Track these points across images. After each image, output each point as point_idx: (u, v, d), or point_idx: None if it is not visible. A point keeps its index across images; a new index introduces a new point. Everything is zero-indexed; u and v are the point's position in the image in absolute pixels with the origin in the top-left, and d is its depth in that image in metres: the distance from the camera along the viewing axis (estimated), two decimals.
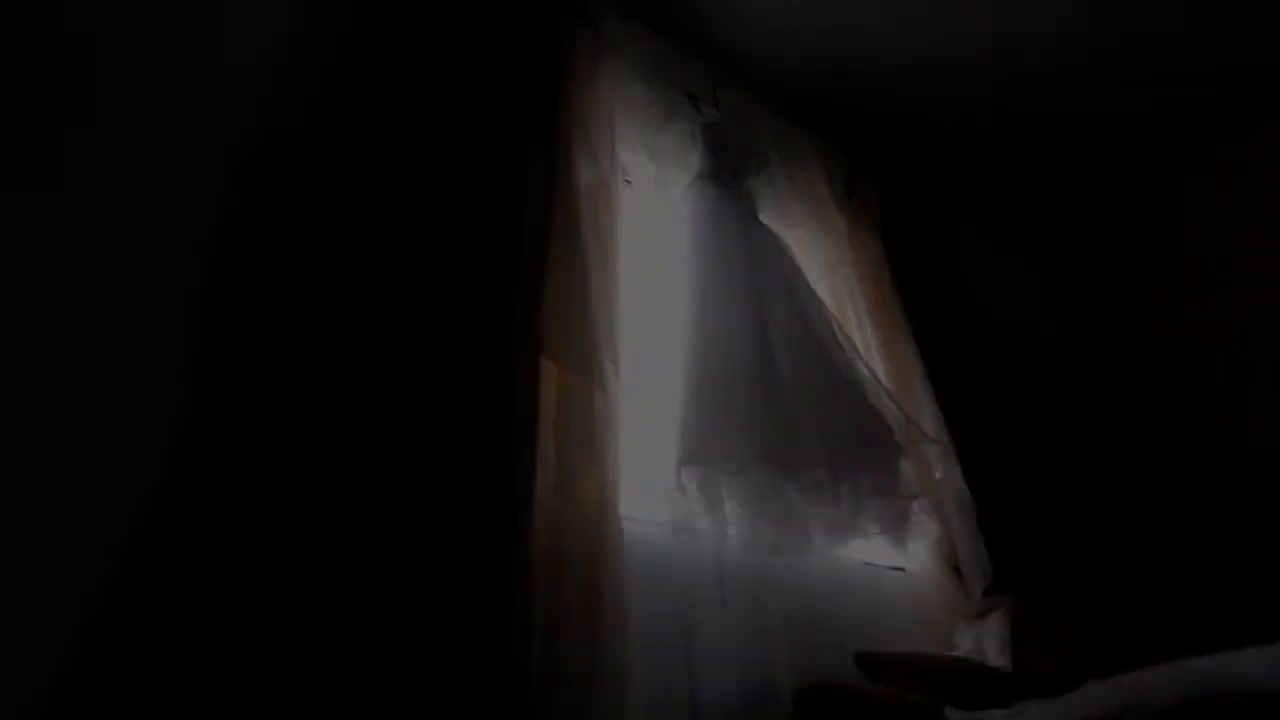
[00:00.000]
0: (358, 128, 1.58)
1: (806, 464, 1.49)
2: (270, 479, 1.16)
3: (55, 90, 1.26)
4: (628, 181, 2.11)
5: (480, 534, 1.24)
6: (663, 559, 1.60)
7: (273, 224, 1.42)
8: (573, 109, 1.81)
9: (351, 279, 1.40)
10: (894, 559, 1.99)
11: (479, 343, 1.42)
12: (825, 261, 2.31)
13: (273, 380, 1.26)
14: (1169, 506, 2.54)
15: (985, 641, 1.85)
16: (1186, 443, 2.78)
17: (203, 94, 1.46)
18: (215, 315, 1.27)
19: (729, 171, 2.11)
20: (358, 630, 1.11)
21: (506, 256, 1.52)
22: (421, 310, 1.41)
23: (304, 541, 1.14)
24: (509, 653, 1.16)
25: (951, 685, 1.59)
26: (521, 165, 1.64)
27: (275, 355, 1.28)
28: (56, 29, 1.30)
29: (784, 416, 1.54)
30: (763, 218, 2.22)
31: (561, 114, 1.79)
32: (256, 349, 1.28)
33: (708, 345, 1.63)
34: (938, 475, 2.00)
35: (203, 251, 1.33)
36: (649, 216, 2.13)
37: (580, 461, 1.40)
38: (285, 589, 1.11)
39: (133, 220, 1.27)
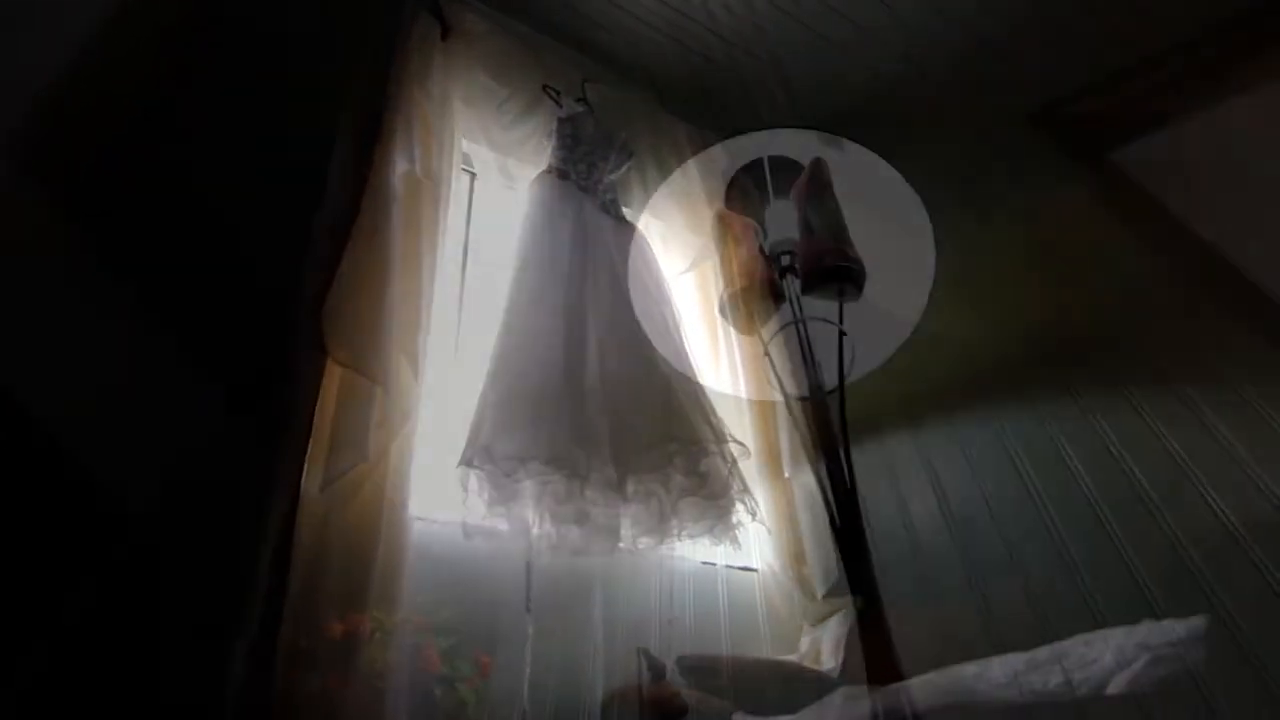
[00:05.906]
0: (158, 104, 1.52)
1: (598, 464, 1.45)
2: None
3: None
4: (470, 173, 2.07)
5: (226, 529, 1.20)
6: (467, 562, 1.56)
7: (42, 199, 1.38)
8: (399, 100, 1.76)
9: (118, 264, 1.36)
10: (746, 560, 1.95)
11: (253, 336, 1.37)
12: (693, 255, 2.27)
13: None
14: None
15: (822, 643, 1.81)
16: None
17: None
18: None
19: (584, 165, 2.06)
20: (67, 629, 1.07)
21: (296, 249, 1.48)
22: (194, 299, 1.36)
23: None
24: (232, 647, 1.12)
25: (764, 688, 1.56)
26: (327, 156, 1.60)
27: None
28: None
29: (583, 417, 1.50)
30: (628, 212, 2.18)
31: (386, 105, 1.75)
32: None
33: (513, 343, 1.59)
34: (787, 474, 1.97)
35: None
36: (499, 212, 2.10)
37: (352, 460, 1.36)
38: None
39: None
